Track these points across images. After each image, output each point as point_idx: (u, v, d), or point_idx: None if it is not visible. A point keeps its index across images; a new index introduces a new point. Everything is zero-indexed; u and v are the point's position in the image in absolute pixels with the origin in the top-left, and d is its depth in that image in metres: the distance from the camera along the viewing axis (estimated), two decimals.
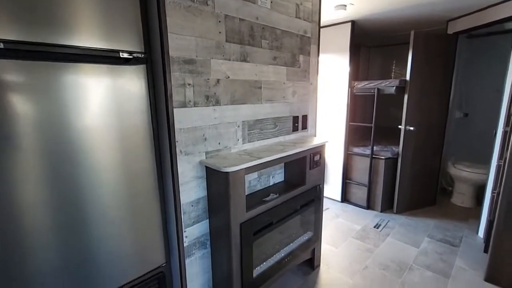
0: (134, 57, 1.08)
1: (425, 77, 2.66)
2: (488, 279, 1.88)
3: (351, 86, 2.92)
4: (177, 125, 1.20)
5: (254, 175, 1.64)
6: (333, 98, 3.06)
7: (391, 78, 3.29)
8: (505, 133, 2.10)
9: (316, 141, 1.77)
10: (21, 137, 0.87)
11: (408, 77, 2.59)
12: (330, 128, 3.14)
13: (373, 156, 2.87)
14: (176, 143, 1.21)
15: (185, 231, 1.32)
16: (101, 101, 1.03)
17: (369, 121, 2.88)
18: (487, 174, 2.43)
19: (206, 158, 1.35)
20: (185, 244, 1.33)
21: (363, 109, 3.73)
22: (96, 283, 1.13)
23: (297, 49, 1.77)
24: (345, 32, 2.83)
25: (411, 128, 2.67)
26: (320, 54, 3.07)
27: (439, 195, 3.21)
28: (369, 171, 2.90)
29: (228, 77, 1.38)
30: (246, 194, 1.59)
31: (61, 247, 1.01)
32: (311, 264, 2.02)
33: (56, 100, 0.93)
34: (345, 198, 3.18)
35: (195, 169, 1.31)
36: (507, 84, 2.18)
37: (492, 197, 2.22)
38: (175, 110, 1.18)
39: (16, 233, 0.90)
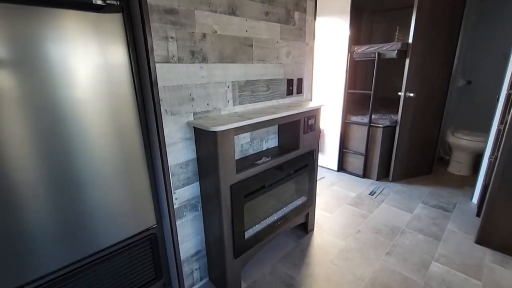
0: (107, 4, 0.98)
1: (428, 40, 2.52)
2: (479, 241, 1.91)
3: (351, 51, 2.78)
4: (160, 83, 1.14)
5: (247, 139, 1.60)
6: (332, 64, 2.94)
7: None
8: (508, 95, 2.02)
9: (311, 105, 1.70)
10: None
11: (410, 40, 2.45)
12: (327, 95, 3.05)
13: (371, 124, 2.81)
14: (161, 101, 1.15)
15: (174, 193, 1.31)
16: (74, 55, 0.95)
17: (369, 89, 2.78)
18: (486, 141, 2.39)
19: (194, 119, 1.30)
20: (175, 206, 1.33)
21: (363, 77, 3.60)
22: (85, 242, 1.13)
23: (292, 5, 1.65)
24: None
25: (411, 95, 2.58)
26: (319, 16, 2.90)
27: (436, 164, 3.20)
28: (366, 139, 2.85)
29: (216, 31, 1.29)
30: (238, 158, 1.56)
31: (49, 207, 0.99)
32: (305, 228, 2.05)
33: (27, 51, 0.86)
34: (341, 167, 3.17)
35: (182, 130, 1.27)
36: None
37: (489, 163, 2.20)
38: (157, 65, 1.11)
39: (6, 193, 0.88)
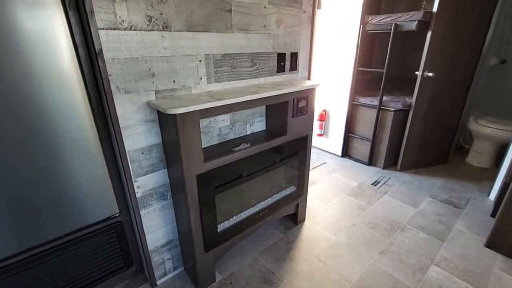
0: None
1: (457, 9, 2.13)
2: (490, 244, 1.69)
3: (363, 22, 2.43)
4: (108, 54, 0.96)
5: (226, 122, 1.42)
6: (340, 37, 2.61)
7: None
8: None
9: (304, 84, 1.47)
10: None
11: (435, 8, 2.08)
12: (333, 73, 2.75)
13: (382, 107, 2.52)
14: (109, 77, 0.98)
15: (136, 181, 1.18)
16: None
17: (381, 67, 2.46)
18: None
19: (156, 98, 1.12)
20: (138, 195, 1.20)
21: (376, 53, 3.22)
22: (37, 229, 1.04)
23: None
24: None
25: (430, 75, 2.25)
26: None
27: (454, 153, 2.89)
28: (375, 124, 2.58)
29: None
30: (215, 143, 1.40)
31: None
32: (295, 219, 1.90)
33: None
34: (345, 153, 2.94)
35: (142, 111, 1.10)
36: None
37: None
38: (102, 32, 0.92)
39: None
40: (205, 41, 1.20)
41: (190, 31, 1.14)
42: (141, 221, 1.25)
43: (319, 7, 2.65)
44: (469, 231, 1.84)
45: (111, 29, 0.94)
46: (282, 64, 1.57)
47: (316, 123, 2.95)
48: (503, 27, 2.65)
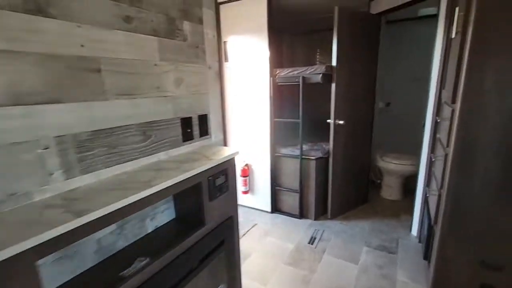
0: None
1: (351, 63, 2.33)
2: None
3: (273, 75, 2.42)
4: None
5: (109, 227, 0.93)
6: (253, 90, 2.52)
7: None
8: (436, 123, 1.88)
9: (220, 155, 1.16)
10: None
11: (334, 63, 2.21)
12: (252, 126, 2.58)
13: (303, 157, 2.45)
14: None
15: None
16: None
17: (297, 117, 2.43)
18: (415, 165, 2.27)
19: None
20: None
21: (291, 103, 3.32)
22: None
23: (175, 11, 1.11)
24: (261, 8, 2.29)
25: (341, 122, 2.33)
26: (232, 35, 2.47)
27: (369, 189, 3.05)
28: (299, 174, 2.47)
29: None
30: (94, 264, 0.88)
31: None
32: None
33: None
34: (275, 207, 2.71)
35: None
36: (434, 71, 1.96)
37: (425, 197, 2.02)
38: None
39: None
40: (54, 116, 0.75)
41: (19, 104, 0.68)
42: None
43: (226, 60, 2.54)
44: (411, 281, 1.77)
45: None
46: (189, 130, 1.24)
47: (239, 180, 2.66)
48: (382, 75, 3.11)
